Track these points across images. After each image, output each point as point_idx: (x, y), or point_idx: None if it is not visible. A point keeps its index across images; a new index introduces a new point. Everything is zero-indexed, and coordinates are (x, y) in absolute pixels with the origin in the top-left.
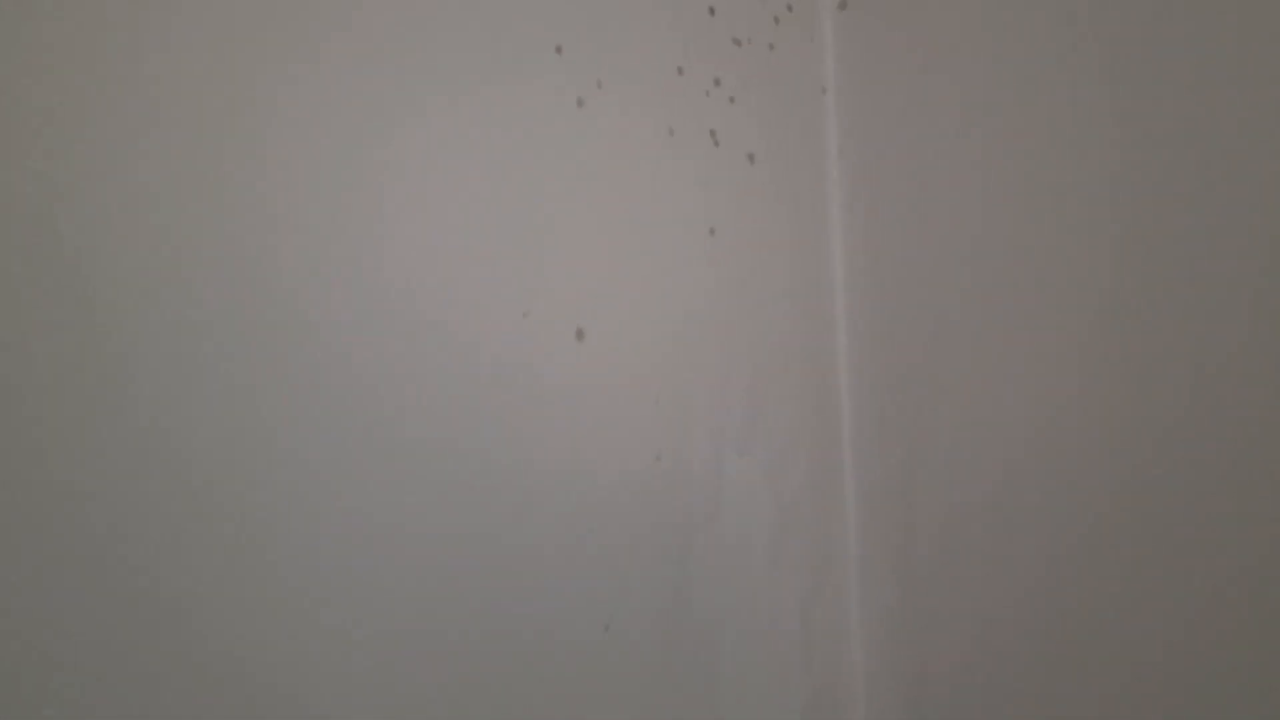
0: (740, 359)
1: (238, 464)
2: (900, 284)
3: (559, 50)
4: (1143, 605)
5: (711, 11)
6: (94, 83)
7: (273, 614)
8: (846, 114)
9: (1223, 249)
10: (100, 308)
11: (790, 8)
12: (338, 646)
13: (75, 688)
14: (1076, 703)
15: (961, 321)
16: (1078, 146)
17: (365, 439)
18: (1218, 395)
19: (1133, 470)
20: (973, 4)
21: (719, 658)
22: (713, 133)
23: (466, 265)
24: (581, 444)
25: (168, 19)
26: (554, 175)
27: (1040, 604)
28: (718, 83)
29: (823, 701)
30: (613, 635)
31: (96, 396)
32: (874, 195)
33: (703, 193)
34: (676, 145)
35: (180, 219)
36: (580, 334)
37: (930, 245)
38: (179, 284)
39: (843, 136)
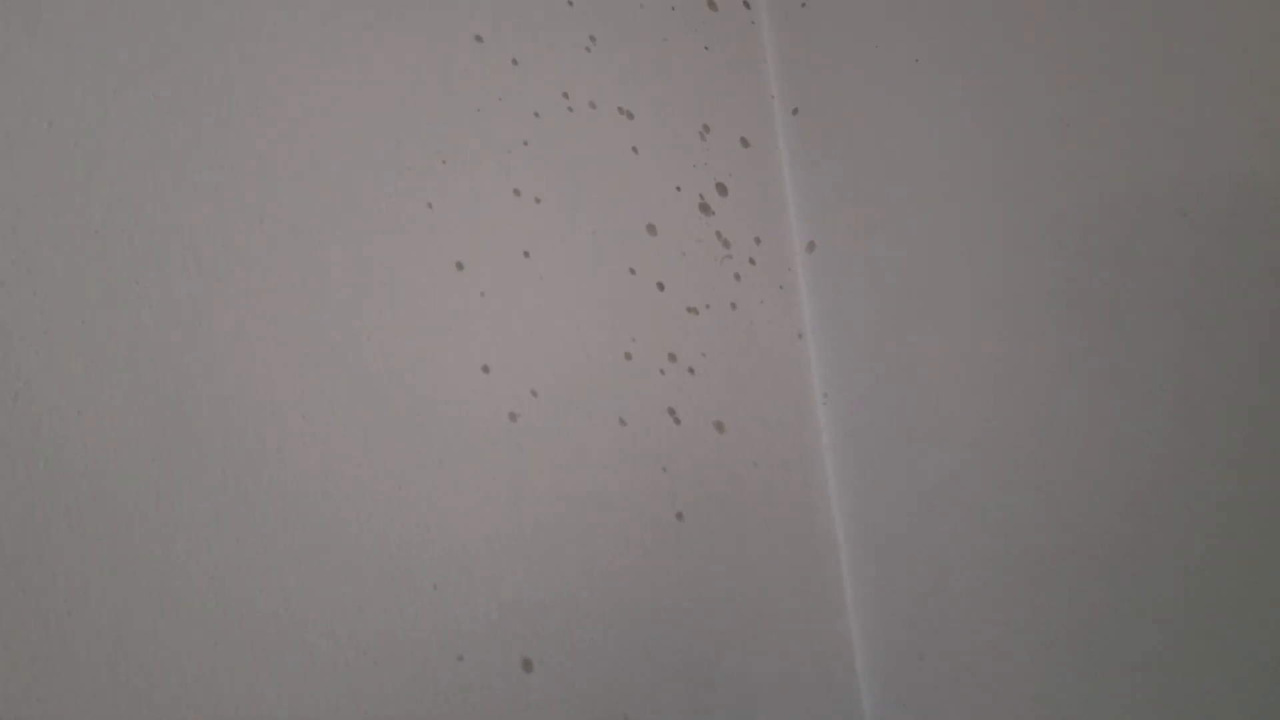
0: None
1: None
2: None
3: (485, 370)
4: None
5: (660, 287)
6: None
7: None
8: (826, 359)
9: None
10: None
11: (753, 260)
12: None
13: None
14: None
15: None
16: None
17: None
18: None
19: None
20: (941, 240)
21: None
22: (671, 410)
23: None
24: None
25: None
26: (484, 485)
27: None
28: (672, 356)
29: None
30: None
31: None
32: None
33: (665, 477)
34: (631, 433)
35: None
36: (527, 664)
37: (921, 476)
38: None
39: (825, 381)
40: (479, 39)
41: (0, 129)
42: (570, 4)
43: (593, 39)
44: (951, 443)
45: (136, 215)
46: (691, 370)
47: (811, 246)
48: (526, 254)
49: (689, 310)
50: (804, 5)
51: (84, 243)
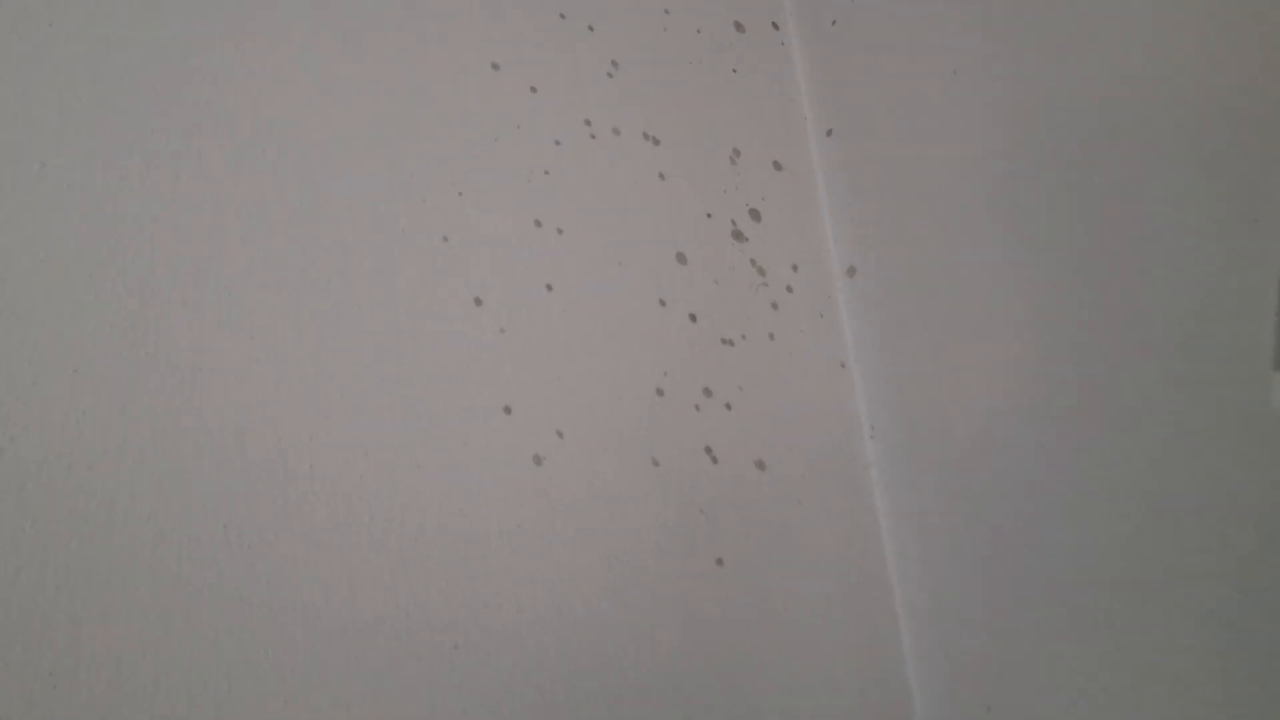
0: None
1: None
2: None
3: (507, 410)
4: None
5: (693, 318)
6: None
7: None
8: (872, 389)
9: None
10: None
11: (790, 288)
12: None
13: None
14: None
15: None
16: None
17: None
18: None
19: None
20: (974, 271)
21: None
22: (708, 449)
23: None
24: None
25: None
26: (509, 534)
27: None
28: (707, 391)
29: None
30: None
31: None
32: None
33: (704, 520)
34: (665, 475)
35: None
36: None
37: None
38: None
39: (872, 413)
40: (496, 66)
41: None
42: (591, 29)
43: (615, 64)
44: (1013, 477)
45: (133, 259)
46: (728, 405)
47: (852, 271)
48: (549, 287)
49: (724, 342)
50: (834, 23)
51: (77, 290)
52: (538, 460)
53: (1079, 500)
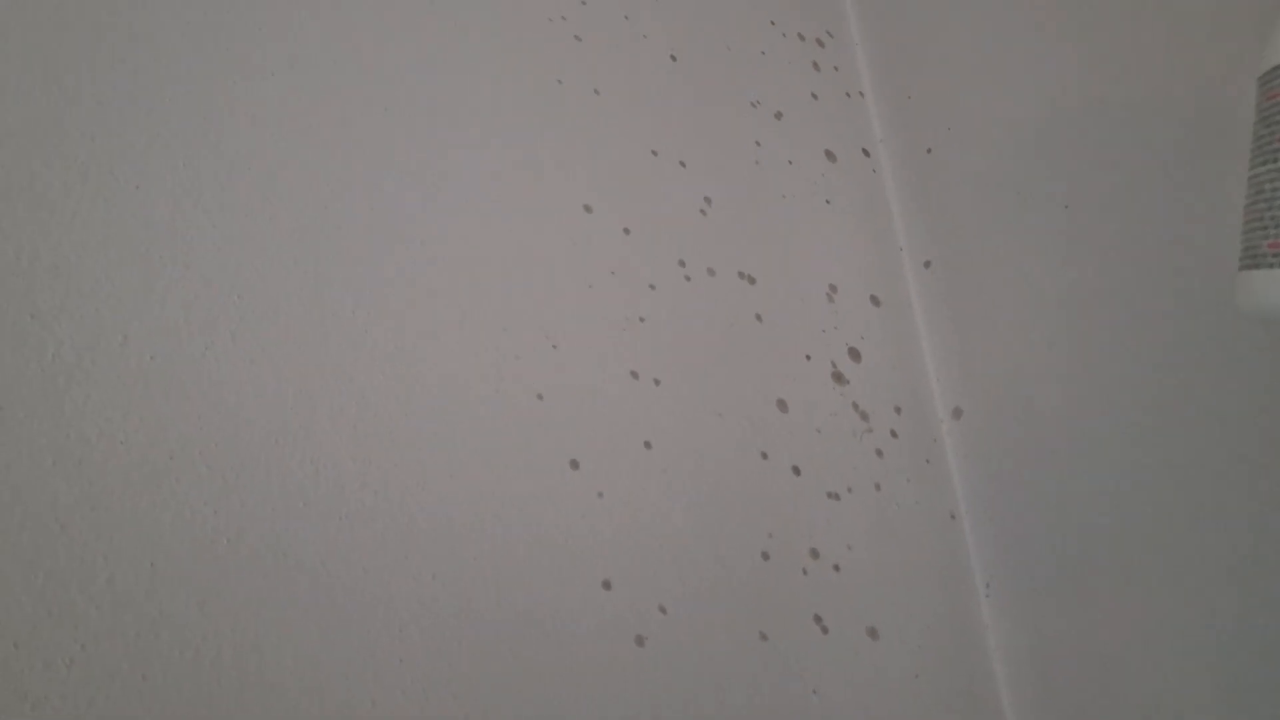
0: None
1: None
2: None
3: (607, 585)
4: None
5: (796, 471)
6: None
7: None
8: (986, 542)
9: None
10: None
11: (895, 433)
12: None
13: None
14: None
15: None
16: None
17: None
18: None
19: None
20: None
21: None
22: (818, 618)
23: None
24: None
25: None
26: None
27: None
28: (814, 553)
29: None
30: None
31: None
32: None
33: (817, 701)
34: (774, 649)
35: None
36: None
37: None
38: None
39: (987, 569)
40: (588, 209)
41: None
42: (683, 165)
43: (708, 200)
44: (1154, 643)
45: (214, 441)
46: (837, 567)
47: (957, 413)
48: (648, 444)
49: (829, 496)
50: (929, 151)
51: (156, 476)
52: (640, 641)
53: (1234, 680)
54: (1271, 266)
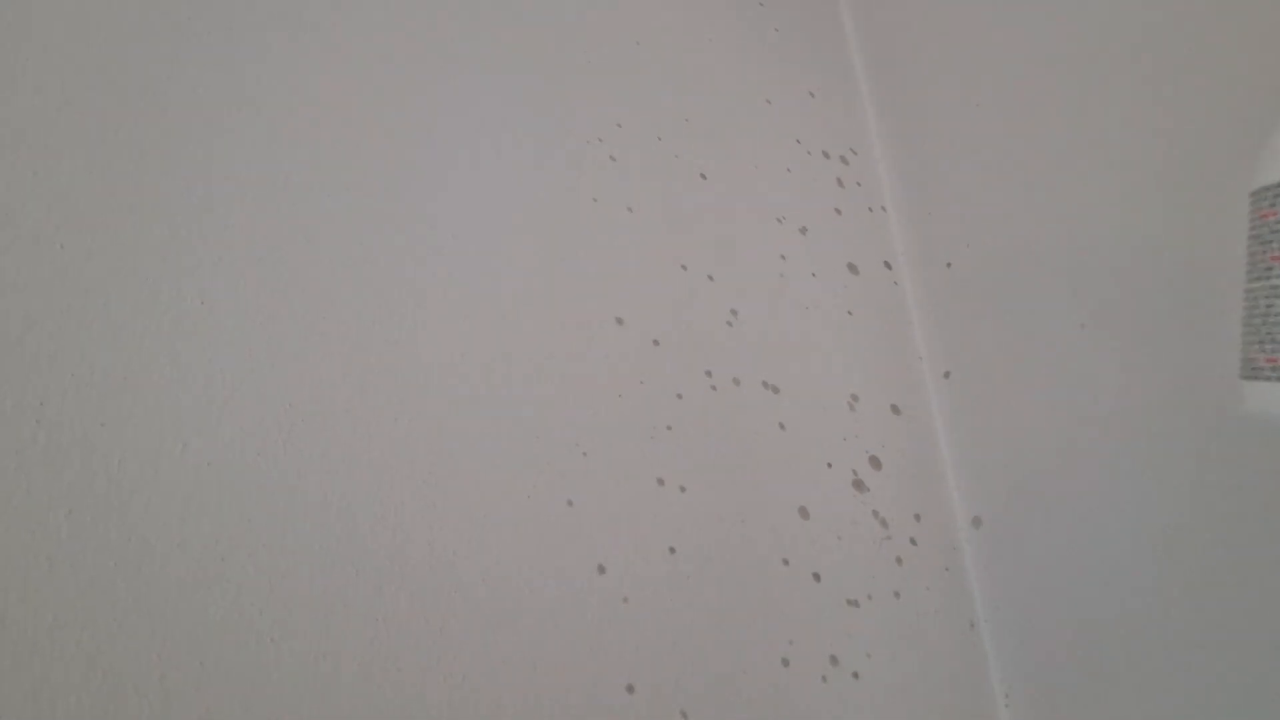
0: None
1: None
2: None
3: (630, 689)
4: None
5: (817, 578)
6: None
7: None
8: (1005, 652)
9: None
10: None
11: (914, 540)
12: None
13: None
14: None
15: None
16: None
17: None
18: None
19: None
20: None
21: None
22: None
23: None
24: None
25: None
26: None
27: None
28: (834, 660)
29: None
30: None
31: None
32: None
33: None
34: None
35: None
36: None
37: None
38: None
39: (1006, 679)
40: (620, 321)
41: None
42: (711, 279)
43: (734, 312)
44: None
45: (261, 548)
46: (856, 675)
47: (977, 522)
48: (672, 550)
49: (849, 603)
50: (949, 265)
51: (205, 575)
52: None
53: None
54: (1268, 379)
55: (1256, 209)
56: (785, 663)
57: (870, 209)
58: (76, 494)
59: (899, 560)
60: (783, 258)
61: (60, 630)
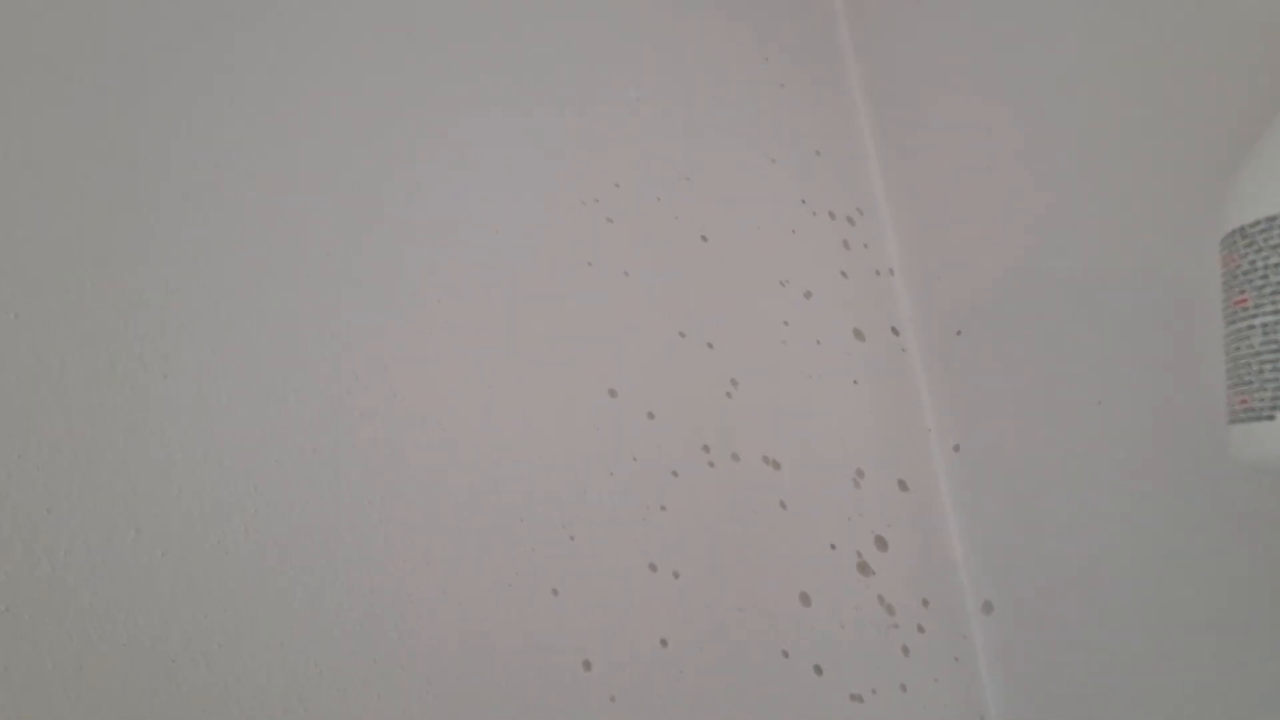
0: None
1: None
2: None
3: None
4: None
5: (818, 671)
6: None
7: None
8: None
9: None
10: None
11: (922, 628)
12: None
13: None
14: None
15: None
16: None
17: None
18: None
19: None
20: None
21: None
22: None
23: None
24: None
25: None
26: None
27: None
28: None
29: None
30: None
31: None
32: None
33: None
34: None
35: None
36: None
37: None
38: None
39: None
40: (613, 393)
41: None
42: (710, 346)
43: (734, 382)
44: None
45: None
46: None
47: (988, 607)
48: (664, 643)
49: (852, 698)
50: (959, 333)
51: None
52: None
53: None
54: (1242, 421)
55: (1223, 255)
56: None
57: (878, 272)
58: (13, 588)
59: (905, 650)
60: (785, 324)
61: None
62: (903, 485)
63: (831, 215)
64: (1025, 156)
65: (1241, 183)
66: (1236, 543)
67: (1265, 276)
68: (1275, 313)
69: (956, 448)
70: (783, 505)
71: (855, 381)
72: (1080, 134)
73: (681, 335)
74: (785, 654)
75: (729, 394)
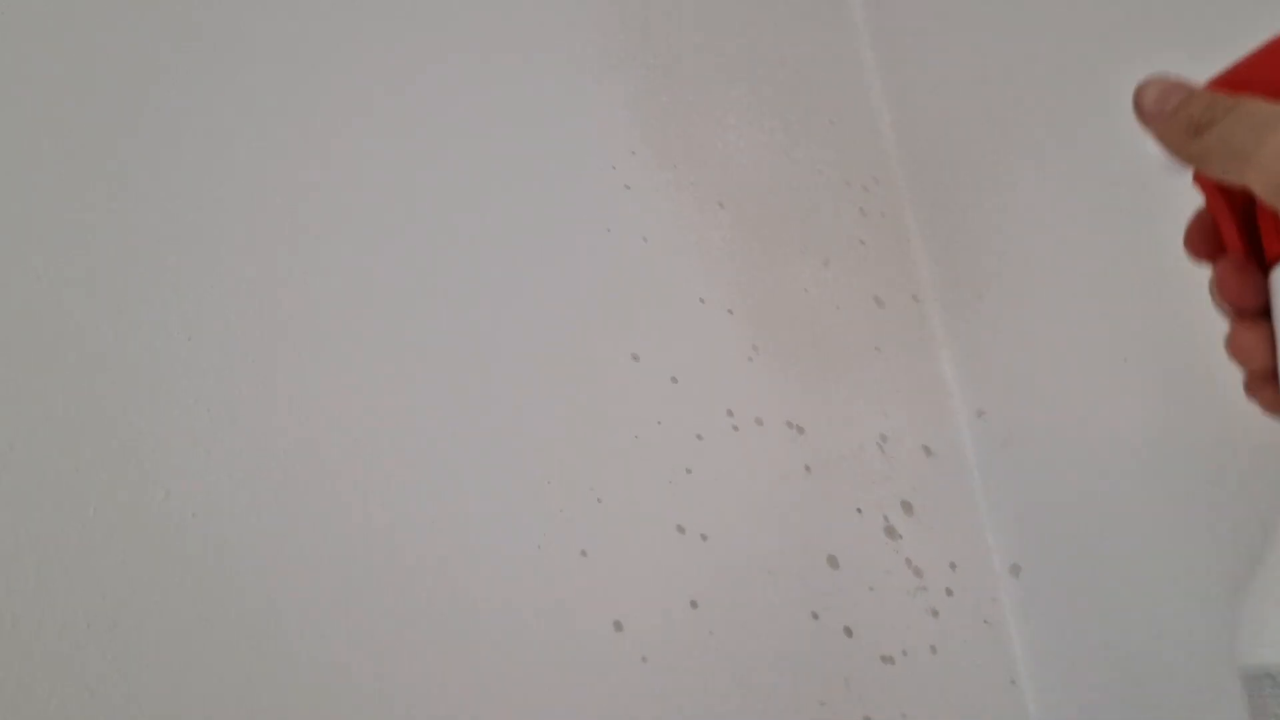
0: None
1: None
2: None
3: None
4: None
5: (849, 633)
6: None
7: None
8: (1049, 710)
9: None
10: None
11: (950, 590)
12: None
13: None
14: None
15: None
16: None
17: None
18: None
19: None
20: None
21: None
22: None
23: None
24: None
25: None
26: None
27: None
28: None
29: None
30: None
31: None
32: None
33: None
34: None
35: None
36: None
37: None
38: None
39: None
40: (635, 358)
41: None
42: (730, 312)
43: (755, 348)
44: None
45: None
46: None
47: (1015, 570)
48: (694, 604)
49: (883, 659)
50: (980, 297)
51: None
52: None
53: None
54: None
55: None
56: None
57: (896, 239)
58: (45, 547)
59: (934, 613)
60: (805, 291)
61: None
62: (927, 450)
63: (848, 183)
64: (1042, 119)
65: None
66: (1268, 500)
67: None
68: None
69: (980, 413)
70: (808, 469)
71: (877, 348)
72: (1097, 94)
73: (701, 301)
74: (815, 615)
75: (750, 359)
